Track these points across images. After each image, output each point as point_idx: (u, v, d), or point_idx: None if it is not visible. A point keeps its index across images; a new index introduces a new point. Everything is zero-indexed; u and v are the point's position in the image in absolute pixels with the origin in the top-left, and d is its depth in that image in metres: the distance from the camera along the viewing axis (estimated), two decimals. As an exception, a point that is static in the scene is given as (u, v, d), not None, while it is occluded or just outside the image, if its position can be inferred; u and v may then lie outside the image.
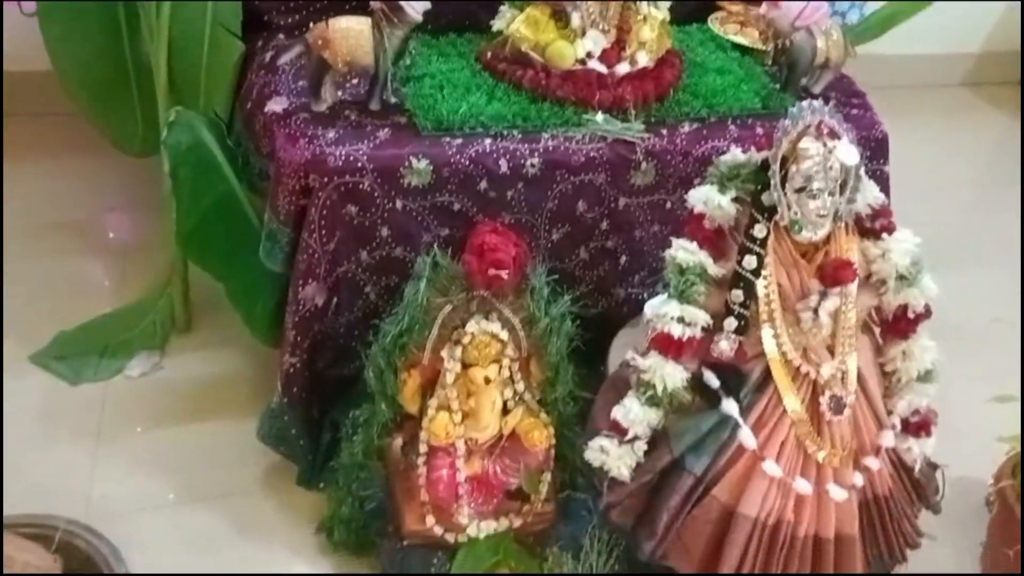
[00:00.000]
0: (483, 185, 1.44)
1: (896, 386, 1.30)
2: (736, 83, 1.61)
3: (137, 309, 1.90)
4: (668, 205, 1.54)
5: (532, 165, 1.45)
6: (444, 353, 1.26)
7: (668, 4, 1.58)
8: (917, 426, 1.31)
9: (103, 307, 1.87)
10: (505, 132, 1.46)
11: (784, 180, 1.18)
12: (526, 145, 1.45)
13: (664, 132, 1.52)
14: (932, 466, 1.36)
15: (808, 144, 1.16)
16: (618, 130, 1.48)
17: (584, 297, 1.59)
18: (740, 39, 1.75)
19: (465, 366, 1.28)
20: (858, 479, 1.24)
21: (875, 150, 1.61)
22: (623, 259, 1.59)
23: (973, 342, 1.85)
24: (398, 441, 1.38)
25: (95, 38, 1.72)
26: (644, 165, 1.50)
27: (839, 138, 1.17)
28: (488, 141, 1.44)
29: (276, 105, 1.47)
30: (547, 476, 1.38)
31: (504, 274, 1.20)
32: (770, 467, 1.20)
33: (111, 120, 1.81)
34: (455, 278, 1.26)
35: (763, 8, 1.60)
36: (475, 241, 1.22)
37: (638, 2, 1.51)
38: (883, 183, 1.55)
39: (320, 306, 1.45)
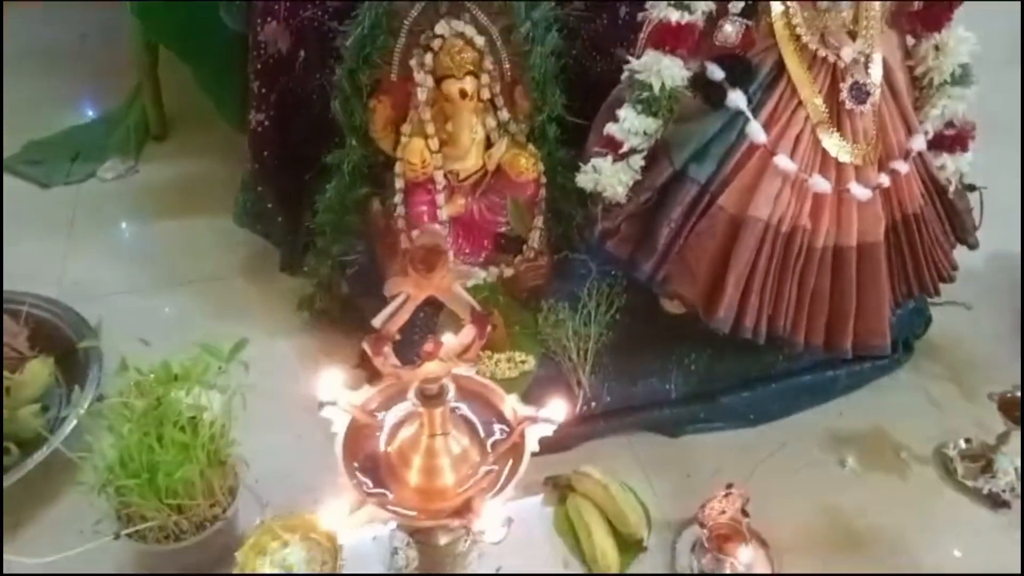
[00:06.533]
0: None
1: (928, 92, 1.15)
2: None
3: (109, 118, 1.83)
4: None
5: None
6: (413, 63, 1.12)
7: None
8: (951, 140, 1.16)
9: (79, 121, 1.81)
10: None
11: None
12: None
13: None
14: (968, 188, 1.21)
15: None
16: None
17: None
18: None
19: (439, 81, 1.14)
20: (884, 179, 1.09)
21: None
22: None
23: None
24: (377, 202, 1.26)
25: None
26: None
27: None
28: None
29: None
30: (539, 220, 1.25)
31: (475, -44, 1.05)
32: (782, 161, 1.05)
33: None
34: (423, -22, 1.11)
35: None
36: (442, -74, 1.07)
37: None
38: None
39: (284, 53, 1.32)
